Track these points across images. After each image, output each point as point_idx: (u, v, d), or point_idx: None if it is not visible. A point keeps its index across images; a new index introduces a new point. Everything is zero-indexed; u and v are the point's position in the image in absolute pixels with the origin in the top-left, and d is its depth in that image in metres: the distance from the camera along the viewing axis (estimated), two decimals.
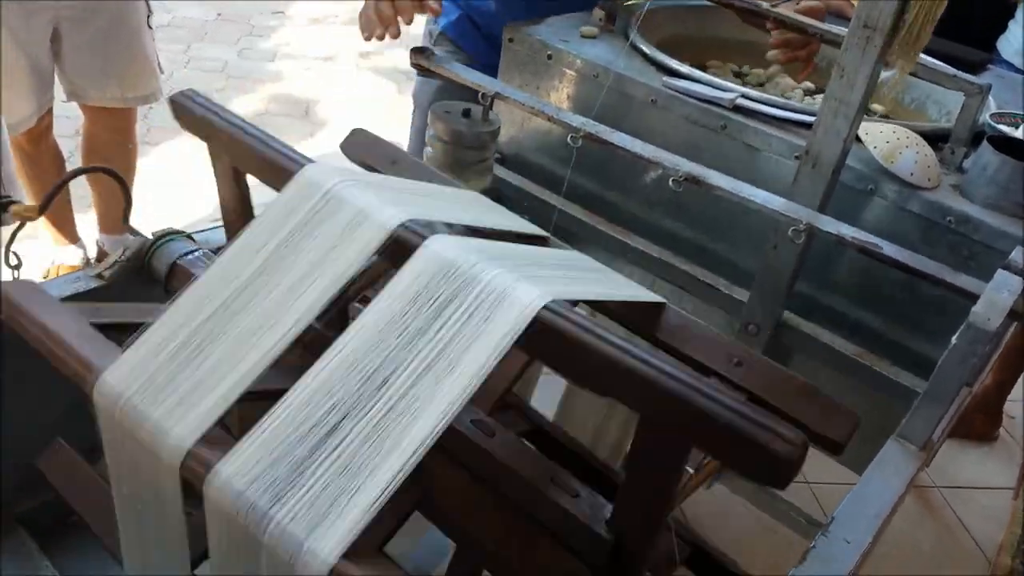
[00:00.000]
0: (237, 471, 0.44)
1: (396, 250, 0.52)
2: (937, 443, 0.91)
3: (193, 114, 0.64)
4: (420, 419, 0.45)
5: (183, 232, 0.83)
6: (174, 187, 2.49)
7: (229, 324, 0.50)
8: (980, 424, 2.04)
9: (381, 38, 1.07)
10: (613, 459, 0.78)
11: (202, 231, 0.88)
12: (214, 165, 0.67)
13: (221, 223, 0.76)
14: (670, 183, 0.93)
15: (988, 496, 1.92)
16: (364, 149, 0.79)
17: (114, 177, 0.88)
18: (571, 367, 0.50)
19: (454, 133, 1.07)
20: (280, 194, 0.55)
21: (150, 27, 1.76)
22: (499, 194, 1.28)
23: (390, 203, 0.54)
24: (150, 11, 1.76)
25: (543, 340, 0.48)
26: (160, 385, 0.48)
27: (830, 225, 0.87)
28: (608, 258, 1.24)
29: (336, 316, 0.62)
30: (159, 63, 1.83)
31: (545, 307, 0.47)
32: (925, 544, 1.77)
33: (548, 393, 1.11)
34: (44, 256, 2.02)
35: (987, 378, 1.53)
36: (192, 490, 0.46)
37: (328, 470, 0.44)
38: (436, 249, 0.51)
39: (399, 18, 1.05)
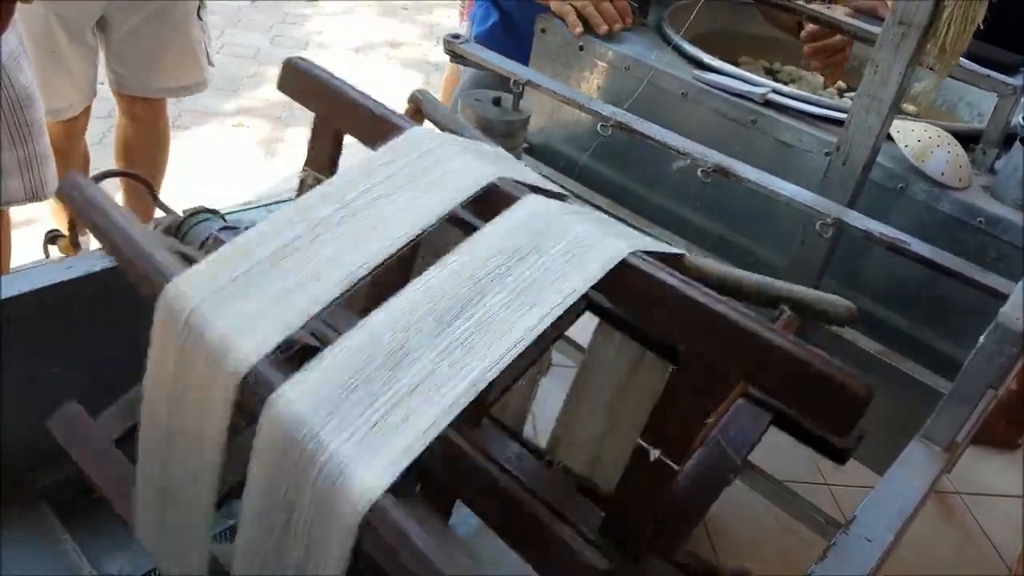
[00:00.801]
0: (301, 395, 0.43)
1: (490, 202, 0.56)
2: (962, 445, 0.91)
3: (307, 75, 0.67)
4: (495, 344, 0.46)
5: (215, 211, 0.83)
6: (204, 171, 2.52)
7: (315, 245, 0.50)
8: (1003, 431, 2.02)
9: (608, 33, 1.21)
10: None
11: (233, 211, 0.89)
12: (316, 127, 0.69)
13: (252, 206, 0.77)
14: (699, 174, 0.93)
15: (1010, 504, 1.90)
16: (430, 108, 0.81)
17: (141, 182, 0.90)
18: (653, 312, 0.52)
19: (483, 120, 1.08)
20: (386, 145, 0.58)
21: (201, 18, 1.77)
22: None
23: (487, 162, 0.58)
24: (202, 3, 1.77)
25: (628, 284, 0.51)
26: (231, 296, 0.48)
27: (858, 220, 0.87)
28: None
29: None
30: (208, 55, 1.83)
31: (632, 254, 0.52)
32: (945, 550, 1.75)
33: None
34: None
35: (1012, 383, 1.51)
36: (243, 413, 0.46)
37: (392, 399, 0.43)
38: (532, 202, 0.55)
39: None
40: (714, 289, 0.50)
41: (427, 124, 0.80)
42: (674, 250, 0.63)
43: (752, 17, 1.36)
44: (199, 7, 1.76)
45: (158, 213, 0.85)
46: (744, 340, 0.47)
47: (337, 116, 0.67)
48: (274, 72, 3.32)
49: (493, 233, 0.53)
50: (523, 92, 1.09)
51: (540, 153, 1.34)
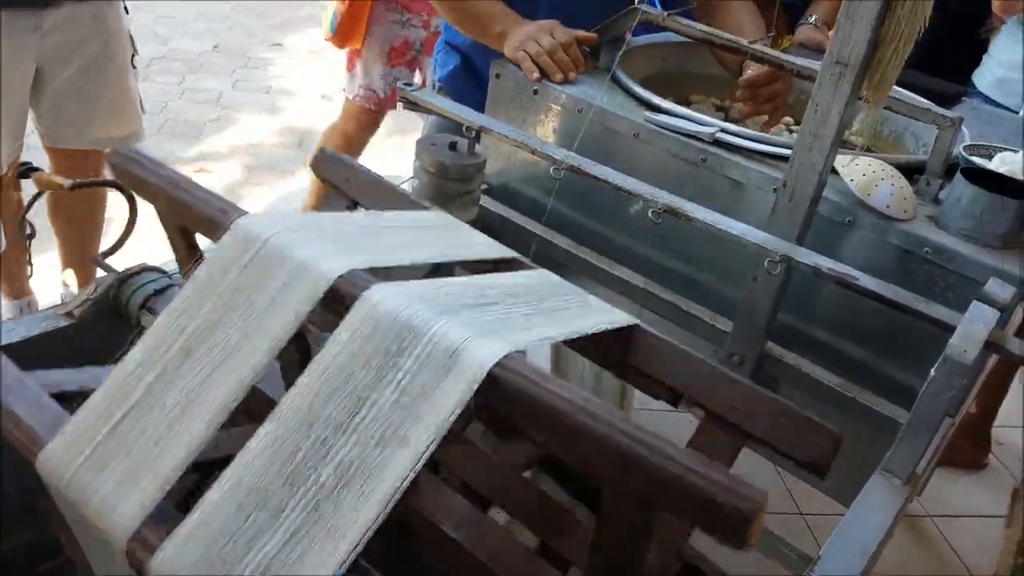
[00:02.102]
0: (179, 555, 0.44)
1: (337, 303, 0.50)
2: (922, 476, 0.92)
3: (130, 173, 0.63)
4: (367, 499, 0.43)
5: (157, 268, 0.82)
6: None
7: (167, 393, 0.49)
8: (968, 451, 2.04)
9: (564, 81, 1.23)
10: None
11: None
12: (162, 222, 0.66)
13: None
14: (650, 215, 0.95)
15: (980, 524, 1.92)
16: (332, 170, 0.80)
17: (127, 197, 0.87)
18: (527, 422, 0.50)
19: (440, 165, 1.09)
20: (214, 250, 0.54)
21: (134, 67, 1.76)
22: (485, 224, 1.30)
23: (333, 250, 0.53)
24: (135, 50, 1.75)
25: (497, 397, 0.46)
26: (103, 460, 0.48)
27: (807, 257, 0.88)
28: (593, 287, 1.25)
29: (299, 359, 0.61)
30: (141, 103, 1.82)
31: (498, 364, 0.45)
32: (917, 574, 1.76)
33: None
34: None
35: (971, 406, 1.54)
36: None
37: (271, 552, 0.43)
38: (376, 301, 0.48)
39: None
40: None
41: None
42: (624, 321, 0.62)
43: (702, 57, 1.39)
44: (132, 55, 1.75)
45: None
46: (619, 458, 0.43)
47: (171, 210, 0.64)
48: (237, 116, 3.34)
49: (324, 362, 0.47)
50: (479, 136, 1.10)
51: (499, 194, 1.35)
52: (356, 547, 0.42)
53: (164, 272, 0.78)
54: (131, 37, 1.75)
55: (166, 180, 0.61)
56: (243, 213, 0.56)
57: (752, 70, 1.22)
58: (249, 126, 3.32)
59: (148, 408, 0.49)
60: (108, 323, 0.76)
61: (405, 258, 0.58)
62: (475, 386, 0.45)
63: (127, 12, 1.74)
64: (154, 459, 0.47)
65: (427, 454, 0.43)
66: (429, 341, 0.46)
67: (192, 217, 0.59)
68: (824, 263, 0.86)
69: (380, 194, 0.76)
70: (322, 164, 0.80)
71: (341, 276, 0.50)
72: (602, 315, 0.62)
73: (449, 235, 0.70)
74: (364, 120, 2.26)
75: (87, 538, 0.54)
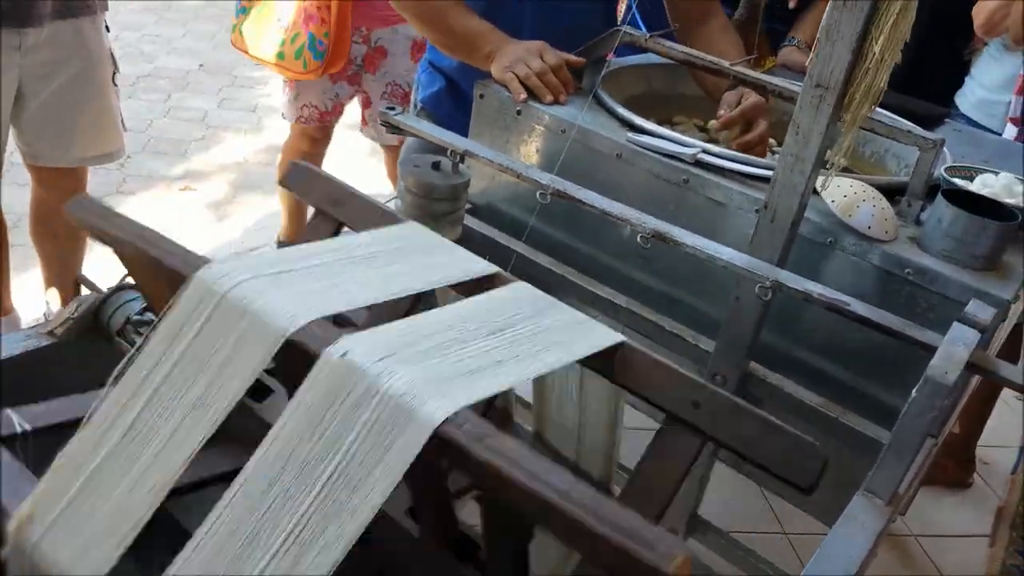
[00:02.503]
0: None
1: (294, 355, 0.51)
2: (905, 496, 0.91)
3: (90, 224, 0.63)
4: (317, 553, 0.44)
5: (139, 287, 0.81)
6: None
7: (128, 459, 0.50)
8: (953, 471, 2.05)
9: (553, 103, 1.23)
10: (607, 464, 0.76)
11: None
12: (126, 267, 0.66)
13: None
14: (638, 239, 0.94)
15: (964, 544, 1.92)
16: (305, 185, 0.79)
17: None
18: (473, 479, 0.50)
19: (424, 186, 1.08)
20: (173, 305, 0.54)
21: (115, 85, 1.75)
22: (470, 245, 1.29)
23: (296, 299, 0.53)
24: (116, 68, 1.75)
25: (445, 453, 0.47)
26: (65, 528, 0.49)
27: (797, 283, 0.87)
28: (577, 307, 1.24)
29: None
30: (123, 121, 1.81)
31: (446, 421, 0.46)
32: None
33: None
34: None
35: (954, 426, 1.54)
36: None
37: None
38: (333, 359, 0.49)
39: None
40: None
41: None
42: (608, 341, 0.62)
43: (685, 78, 1.40)
44: (114, 73, 1.74)
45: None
46: (552, 516, 0.43)
47: (129, 261, 0.63)
48: (223, 135, 3.34)
49: (285, 423, 0.48)
50: (463, 157, 1.10)
51: (484, 214, 1.35)
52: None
53: None
54: (112, 55, 1.74)
55: (128, 232, 0.60)
56: (205, 262, 0.55)
57: (725, 109, 1.22)
58: (235, 145, 3.31)
59: (110, 474, 0.50)
60: (90, 342, 0.75)
61: (380, 294, 0.58)
62: (420, 445, 0.45)
63: (108, 30, 1.73)
64: (115, 526, 0.48)
65: (374, 510, 0.44)
66: (381, 400, 0.47)
67: (155, 269, 0.59)
68: (815, 288, 0.86)
69: (358, 210, 0.75)
70: (291, 178, 0.79)
71: (299, 330, 0.51)
72: (587, 337, 0.62)
73: (429, 253, 0.68)
74: (316, 135, 2.23)
75: None
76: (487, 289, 0.65)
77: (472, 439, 0.45)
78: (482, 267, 0.68)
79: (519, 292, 0.65)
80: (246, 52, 2.05)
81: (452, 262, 0.68)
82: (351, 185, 0.77)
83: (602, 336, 0.63)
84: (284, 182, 0.78)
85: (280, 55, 1.97)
